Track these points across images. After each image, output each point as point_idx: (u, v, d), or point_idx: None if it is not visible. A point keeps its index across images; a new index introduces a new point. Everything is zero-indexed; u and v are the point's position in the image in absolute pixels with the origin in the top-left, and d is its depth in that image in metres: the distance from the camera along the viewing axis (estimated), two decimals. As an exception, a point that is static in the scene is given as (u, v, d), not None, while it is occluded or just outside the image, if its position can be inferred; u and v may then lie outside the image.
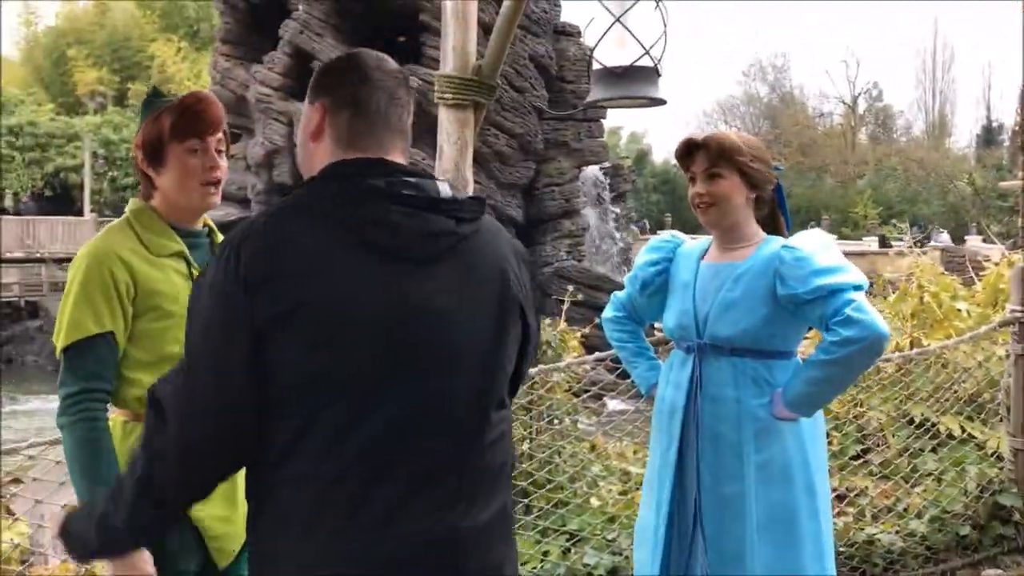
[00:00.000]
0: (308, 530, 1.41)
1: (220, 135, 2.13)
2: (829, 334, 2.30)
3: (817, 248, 2.40)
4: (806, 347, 3.18)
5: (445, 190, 1.52)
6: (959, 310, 5.07)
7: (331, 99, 1.56)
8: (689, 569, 2.45)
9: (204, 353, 1.44)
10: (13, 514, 3.23)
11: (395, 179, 1.48)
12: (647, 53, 3.13)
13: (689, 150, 2.54)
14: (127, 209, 2.13)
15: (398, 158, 1.56)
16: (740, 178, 2.48)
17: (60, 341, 1.98)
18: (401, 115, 1.59)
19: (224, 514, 2.05)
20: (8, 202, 29.71)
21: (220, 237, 2.20)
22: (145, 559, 1.85)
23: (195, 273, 2.09)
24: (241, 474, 1.54)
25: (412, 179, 1.50)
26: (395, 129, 1.58)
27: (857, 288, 2.32)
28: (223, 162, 2.13)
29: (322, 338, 1.40)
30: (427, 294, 1.46)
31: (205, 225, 2.23)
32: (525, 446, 3.95)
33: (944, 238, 31.26)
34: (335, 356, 1.41)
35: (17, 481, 3.27)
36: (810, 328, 2.56)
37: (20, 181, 29.67)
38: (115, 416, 2.07)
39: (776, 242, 2.48)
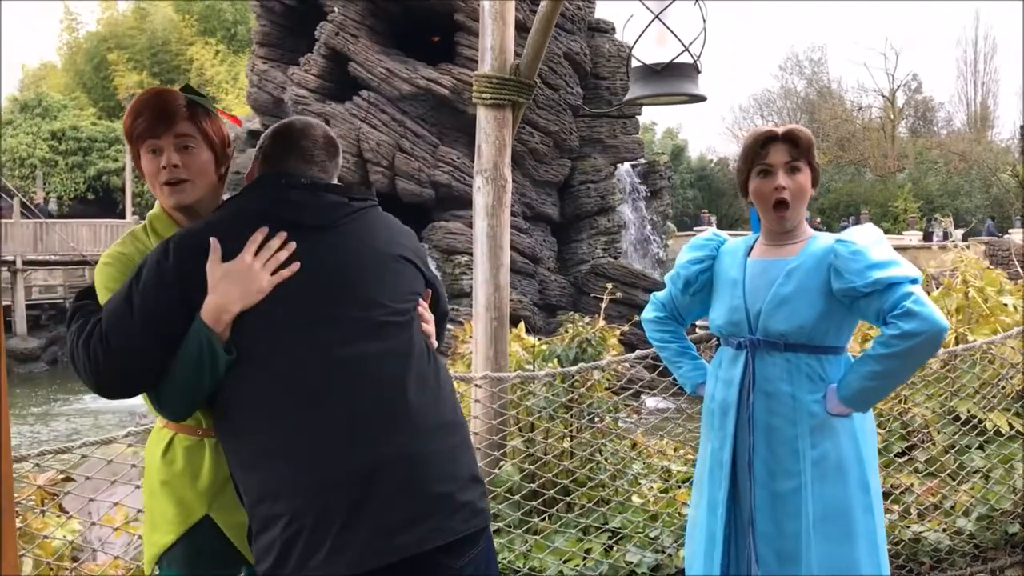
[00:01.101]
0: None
1: (184, 130, 2.04)
2: (888, 328, 2.28)
3: (871, 242, 2.39)
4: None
5: (326, 186, 2.00)
6: (1005, 305, 4.98)
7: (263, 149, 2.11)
8: (751, 569, 2.44)
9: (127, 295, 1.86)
10: (66, 512, 3.29)
11: (292, 178, 1.98)
12: (687, 50, 3.12)
13: (766, 142, 2.48)
14: (152, 209, 2.17)
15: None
16: (811, 173, 2.48)
17: None
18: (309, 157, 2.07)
19: (241, 520, 2.03)
20: (52, 206, 30.23)
21: None
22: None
23: None
24: None
25: (305, 178, 1.99)
26: (306, 163, 2.05)
27: (913, 281, 2.31)
28: (191, 158, 2.05)
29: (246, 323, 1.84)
30: (321, 253, 1.89)
31: None
32: (566, 444, 3.96)
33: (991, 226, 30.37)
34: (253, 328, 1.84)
35: (69, 479, 3.34)
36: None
37: (63, 185, 30.20)
38: (157, 421, 2.08)
39: (826, 237, 2.47)
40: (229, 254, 1.84)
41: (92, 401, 21.10)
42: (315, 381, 1.78)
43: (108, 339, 1.81)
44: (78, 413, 19.77)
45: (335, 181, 2.10)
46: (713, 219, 32.87)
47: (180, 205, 2.05)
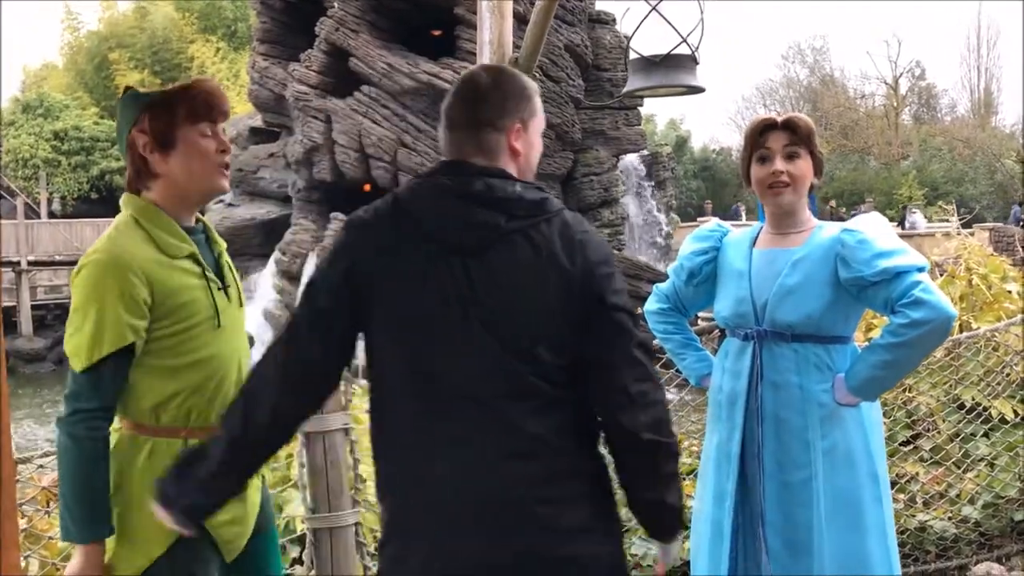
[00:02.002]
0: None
1: (223, 124, 2.12)
2: (897, 316, 2.29)
3: (878, 231, 2.40)
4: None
5: (510, 190, 1.76)
6: (1009, 292, 4.97)
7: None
8: (761, 560, 2.43)
9: (302, 313, 1.80)
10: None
11: (463, 178, 1.77)
12: (684, 41, 3.11)
13: (765, 129, 2.49)
14: (126, 205, 2.08)
15: (473, 159, 1.80)
16: (812, 161, 2.48)
17: (84, 356, 1.93)
18: (468, 129, 1.82)
19: (234, 515, 2.08)
20: (56, 206, 30.26)
21: (214, 231, 2.21)
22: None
23: (208, 274, 2.09)
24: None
25: (484, 179, 1.76)
26: (462, 142, 1.82)
27: (921, 270, 2.33)
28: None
29: (369, 312, 1.76)
30: (464, 282, 1.71)
31: (199, 221, 2.20)
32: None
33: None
34: (382, 333, 1.77)
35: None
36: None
37: (67, 185, 30.22)
38: (123, 430, 2.03)
39: (831, 227, 2.47)
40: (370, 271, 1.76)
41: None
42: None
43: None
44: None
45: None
46: (709, 206, 32.67)
47: (226, 190, 2.12)
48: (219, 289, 2.11)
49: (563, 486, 1.73)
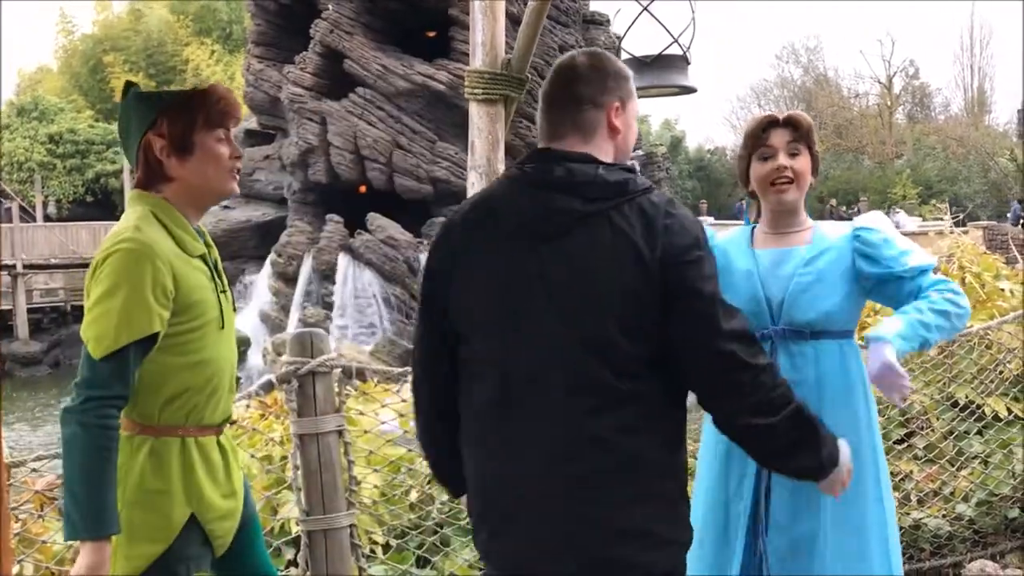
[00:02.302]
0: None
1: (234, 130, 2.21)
2: (945, 296, 2.35)
3: (892, 231, 2.49)
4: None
5: (590, 173, 1.75)
6: (1002, 290, 4.98)
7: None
8: (763, 561, 2.42)
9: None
10: (66, 515, 3.29)
11: (545, 164, 1.79)
12: (675, 41, 3.12)
13: (768, 126, 2.48)
14: (141, 200, 2.07)
15: (567, 144, 1.81)
16: (811, 160, 2.49)
17: (109, 341, 1.88)
18: (560, 112, 1.84)
19: (228, 510, 2.13)
20: (52, 209, 30.22)
21: (208, 236, 2.21)
22: None
23: (215, 276, 2.11)
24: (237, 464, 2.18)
25: (567, 164, 1.77)
26: (556, 124, 1.84)
27: (935, 268, 2.45)
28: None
29: (452, 306, 1.83)
30: (539, 271, 1.73)
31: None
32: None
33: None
34: (463, 325, 1.83)
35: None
36: None
37: (62, 188, 30.19)
38: (121, 429, 1.99)
39: (833, 226, 2.53)
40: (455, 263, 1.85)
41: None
42: None
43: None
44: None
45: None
46: (704, 205, 32.70)
47: (236, 193, 2.20)
48: (221, 291, 2.13)
49: (621, 487, 1.70)
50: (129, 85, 2.15)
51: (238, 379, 2.28)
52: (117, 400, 1.91)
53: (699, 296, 1.70)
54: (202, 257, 2.09)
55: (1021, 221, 25.81)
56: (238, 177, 2.15)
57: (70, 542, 2.89)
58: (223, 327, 2.10)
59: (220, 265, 2.19)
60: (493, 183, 1.88)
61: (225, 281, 2.18)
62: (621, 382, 1.70)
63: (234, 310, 2.24)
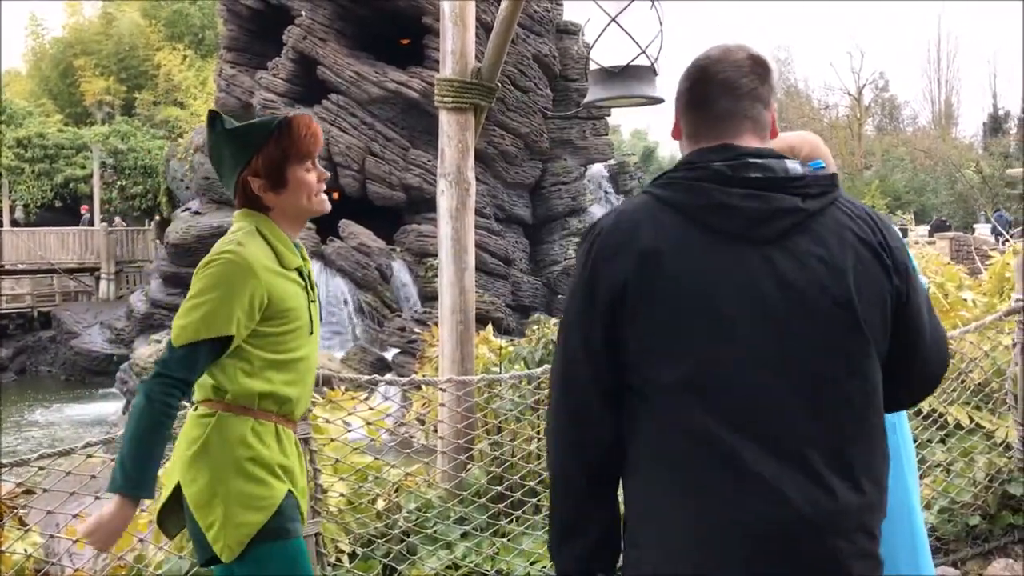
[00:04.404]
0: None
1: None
2: None
3: None
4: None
5: (793, 168, 1.59)
6: (965, 300, 5.06)
7: (681, 100, 1.72)
8: None
9: (570, 328, 1.64)
10: (26, 525, 3.26)
11: (738, 161, 1.58)
12: (643, 52, 3.15)
13: None
14: (248, 217, 2.32)
15: (746, 141, 1.64)
16: None
17: (189, 333, 2.13)
18: (742, 104, 1.66)
19: (306, 494, 2.42)
20: (19, 214, 29.80)
21: (304, 251, 2.44)
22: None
23: (307, 287, 2.36)
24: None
25: (758, 160, 1.58)
26: (738, 117, 1.66)
27: None
28: None
29: (653, 323, 1.55)
30: (770, 274, 1.53)
31: None
32: (533, 446, 3.97)
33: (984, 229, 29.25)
34: (669, 341, 1.54)
35: (29, 492, 3.31)
36: None
37: (30, 193, 29.79)
38: (221, 411, 2.22)
39: None
40: (652, 273, 1.55)
41: (62, 411, 20.86)
42: None
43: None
44: (49, 423, 19.54)
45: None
46: None
47: (326, 212, 2.39)
48: (312, 301, 2.38)
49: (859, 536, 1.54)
50: (214, 115, 2.34)
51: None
52: (182, 384, 2.15)
53: (919, 291, 1.67)
54: (298, 269, 2.34)
55: (1007, 226, 25.88)
56: (325, 196, 2.38)
57: (30, 552, 2.87)
58: (312, 332, 2.36)
59: (312, 277, 2.43)
60: (658, 184, 1.63)
61: (316, 292, 2.44)
62: (871, 397, 1.58)
63: (320, 319, 2.47)
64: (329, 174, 2.44)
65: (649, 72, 3.18)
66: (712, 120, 1.66)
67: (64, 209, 30.14)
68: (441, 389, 3.87)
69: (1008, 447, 4.36)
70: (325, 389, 3.56)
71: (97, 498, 2.96)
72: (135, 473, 2.09)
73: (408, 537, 3.59)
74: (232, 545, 2.16)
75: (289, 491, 2.25)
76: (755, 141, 1.65)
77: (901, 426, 2.50)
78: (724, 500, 1.50)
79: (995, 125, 45.09)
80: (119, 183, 30.31)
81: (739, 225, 1.54)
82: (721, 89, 1.66)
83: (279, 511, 2.21)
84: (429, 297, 18.52)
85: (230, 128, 2.33)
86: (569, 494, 1.67)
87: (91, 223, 28.09)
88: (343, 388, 3.67)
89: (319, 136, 2.36)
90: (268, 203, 2.32)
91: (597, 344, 1.59)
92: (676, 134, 1.75)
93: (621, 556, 1.67)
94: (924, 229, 29.07)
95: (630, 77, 3.14)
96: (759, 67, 1.68)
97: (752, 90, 1.67)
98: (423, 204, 19.74)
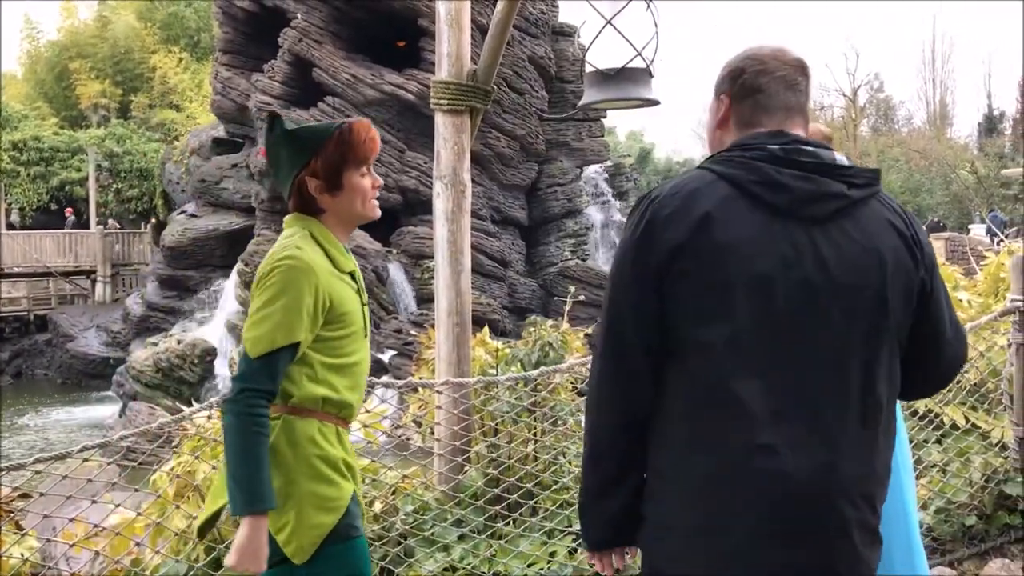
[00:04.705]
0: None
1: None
2: None
3: None
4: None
5: (840, 159, 1.71)
6: (960, 300, 5.07)
7: (737, 91, 1.81)
8: None
9: (618, 289, 1.72)
10: (22, 529, 3.26)
11: (792, 146, 1.69)
12: (639, 55, 3.16)
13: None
14: (301, 222, 2.35)
15: (798, 132, 1.77)
16: None
17: (266, 343, 2.15)
18: (797, 98, 1.80)
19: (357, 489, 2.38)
20: (15, 217, 29.75)
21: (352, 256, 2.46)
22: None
23: (361, 289, 2.41)
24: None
25: (809, 147, 1.70)
26: (792, 109, 1.79)
27: None
28: None
29: (701, 284, 1.64)
30: (813, 252, 1.63)
31: None
32: (530, 447, 3.97)
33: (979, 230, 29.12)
34: (714, 302, 1.63)
35: (25, 496, 3.30)
36: None
37: (26, 196, 29.75)
38: (285, 414, 2.23)
39: None
40: (702, 240, 1.64)
41: (58, 414, 20.83)
42: None
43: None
44: (45, 427, 19.50)
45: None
46: None
47: (377, 217, 2.44)
48: (364, 304, 2.42)
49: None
50: (273, 117, 2.39)
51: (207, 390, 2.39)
52: (266, 393, 2.16)
53: (942, 287, 1.79)
54: (351, 273, 2.38)
55: (1002, 226, 25.87)
56: (377, 201, 2.44)
57: (27, 556, 2.87)
58: (365, 335, 2.41)
59: (362, 280, 2.47)
60: (715, 161, 1.73)
61: (365, 295, 2.47)
62: (893, 382, 1.72)
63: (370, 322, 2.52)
64: (382, 181, 2.47)
65: (645, 74, 3.19)
66: (772, 110, 1.77)
67: (59, 212, 30.10)
68: (438, 391, 3.87)
69: (1004, 447, 4.37)
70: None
71: (94, 502, 2.96)
72: (252, 488, 2.09)
73: (405, 539, 3.59)
74: (305, 546, 2.18)
75: (353, 491, 2.29)
76: (801, 132, 1.78)
77: (897, 428, 2.50)
78: (739, 457, 1.61)
79: (990, 125, 45.17)
80: (115, 186, 30.26)
81: (789, 202, 1.64)
82: (783, 84, 1.78)
83: (347, 511, 2.25)
84: (425, 299, 18.52)
85: (289, 129, 2.36)
86: (610, 454, 1.77)
87: (76, 226, 27.98)
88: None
89: (377, 143, 2.40)
90: (323, 205, 2.35)
91: (645, 304, 1.68)
92: (723, 124, 1.84)
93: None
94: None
95: (626, 79, 3.14)
96: (806, 69, 1.83)
97: (805, 89, 1.82)
98: (419, 206, 19.73)
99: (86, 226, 28.53)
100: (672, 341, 1.68)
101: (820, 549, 1.62)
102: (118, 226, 28.97)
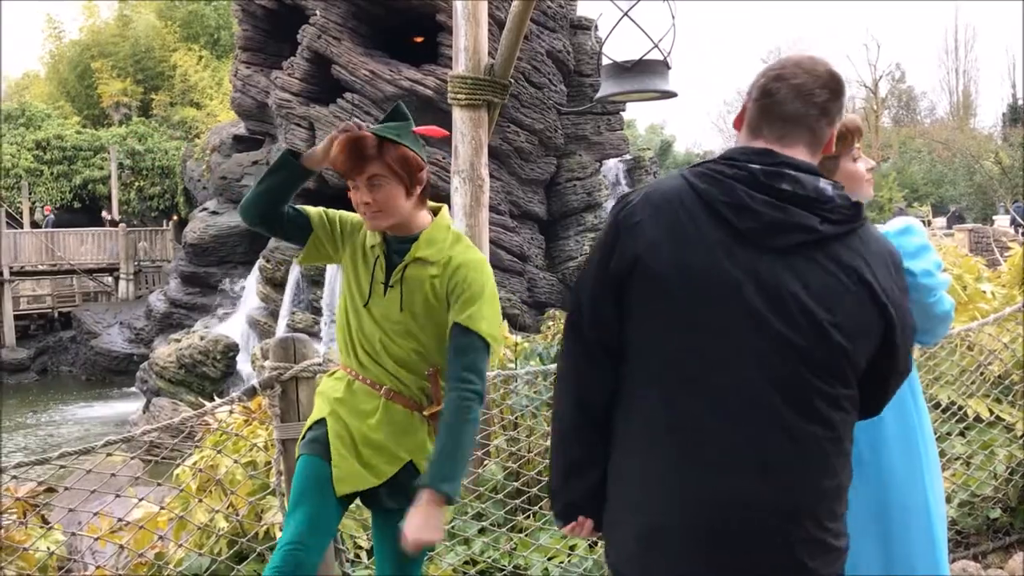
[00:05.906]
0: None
1: (373, 171, 2.36)
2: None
3: (927, 238, 2.53)
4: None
5: (824, 189, 1.65)
6: (984, 292, 5.01)
7: (753, 92, 1.77)
8: None
9: (583, 282, 1.77)
10: (48, 523, 3.30)
11: (773, 169, 1.65)
12: (656, 47, 3.15)
13: (858, 133, 2.45)
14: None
15: (794, 151, 1.70)
16: None
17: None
18: (807, 109, 1.71)
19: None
20: (38, 215, 30.06)
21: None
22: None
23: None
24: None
25: (793, 172, 1.65)
26: (795, 121, 1.72)
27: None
28: (382, 193, 2.37)
29: (650, 296, 1.67)
30: (769, 280, 1.61)
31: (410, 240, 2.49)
32: (549, 442, 3.97)
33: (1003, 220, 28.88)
34: (660, 317, 1.67)
35: (51, 491, 3.34)
36: None
37: (49, 195, 30.06)
38: (340, 370, 2.49)
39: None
40: (654, 250, 1.66)
41: (82, 410, 21.05)
42: None
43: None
44: (69, 422, 19.72)
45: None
46: None
47: (378, 230, 2.44)
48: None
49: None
50: (399, 107, 2.47)
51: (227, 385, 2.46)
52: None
53: (909, 346, 1.78)
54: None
55: (1016, 222, 25.55)
56: (371, 216, 2.44)
57: (53, 549, 2.90)
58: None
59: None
60: (697, 170, 1.70)
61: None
62: (833, 414, 1.67)
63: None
64: (366, 199, 2.46)
65: (662, 66, 3.18)
66: (777, 118, 1.72)
67: (83, 210, 30.38)
68: (457, 385, 3.87)
69: (1028, 440, 4.33)
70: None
71: (117, 496, 2.99)
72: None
73: (426, 533, 3.60)
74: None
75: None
76: (804, 153, 1.71)
77: (922, 427, 2.47)
78: (682, 473, 1.64)
79: (1015, 115, 44.61)
80: (137, 184, 30.51)
81: (754, 229, 1.62)
82: (795, 92, 1.72)
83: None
84: (445, 294, 18.52)
85: (410, 125, 2.46)
86: (574, 438, 1.83)
87: (112, 226, 28.15)
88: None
89: (348, 164, 2.39)
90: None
91: (602, 304, 1.72)
92: (738, 123, 1.80)
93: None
94: (942, 220, 28.83)
95: (643, 71, 3.14)
96: (834, 83, 1.74)
97: (823, 102, 1.72)
98: (436, 201, 19.72)
99: (53, 225, 28.53)
100: (624, 343, 1.73)
101: (750, 562, 1.63)
102: (125, 226, 29.05)
